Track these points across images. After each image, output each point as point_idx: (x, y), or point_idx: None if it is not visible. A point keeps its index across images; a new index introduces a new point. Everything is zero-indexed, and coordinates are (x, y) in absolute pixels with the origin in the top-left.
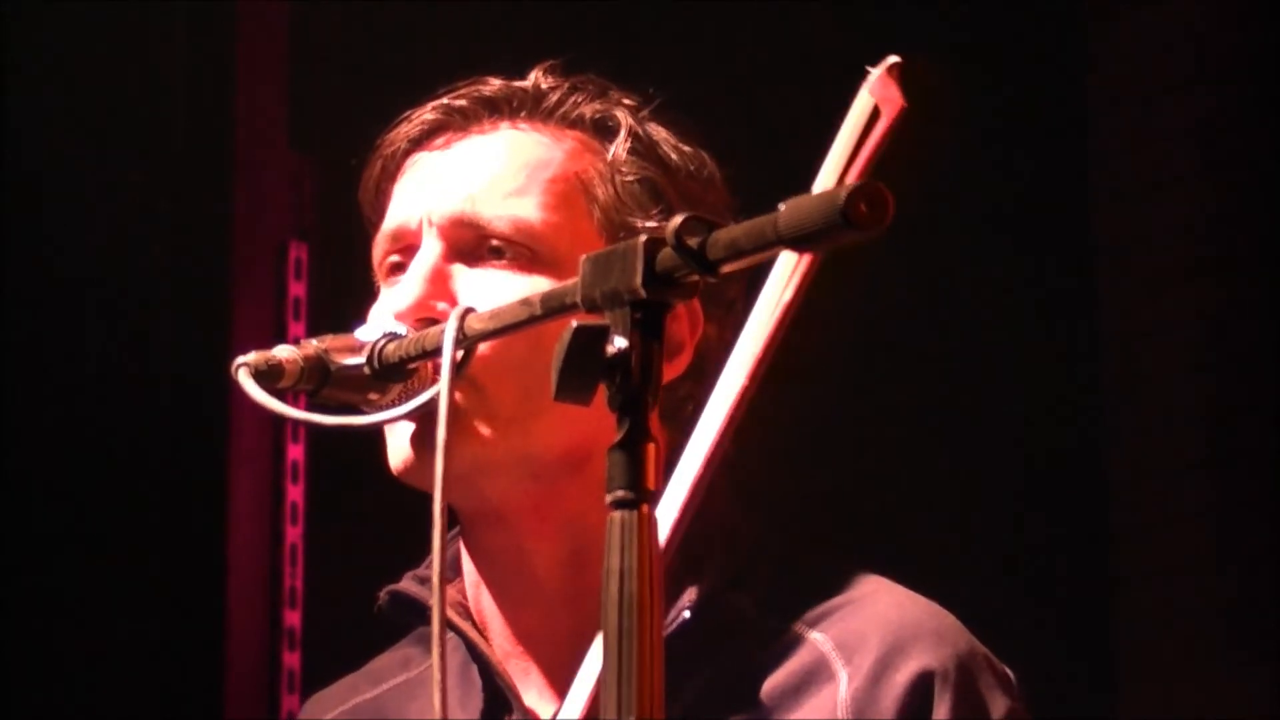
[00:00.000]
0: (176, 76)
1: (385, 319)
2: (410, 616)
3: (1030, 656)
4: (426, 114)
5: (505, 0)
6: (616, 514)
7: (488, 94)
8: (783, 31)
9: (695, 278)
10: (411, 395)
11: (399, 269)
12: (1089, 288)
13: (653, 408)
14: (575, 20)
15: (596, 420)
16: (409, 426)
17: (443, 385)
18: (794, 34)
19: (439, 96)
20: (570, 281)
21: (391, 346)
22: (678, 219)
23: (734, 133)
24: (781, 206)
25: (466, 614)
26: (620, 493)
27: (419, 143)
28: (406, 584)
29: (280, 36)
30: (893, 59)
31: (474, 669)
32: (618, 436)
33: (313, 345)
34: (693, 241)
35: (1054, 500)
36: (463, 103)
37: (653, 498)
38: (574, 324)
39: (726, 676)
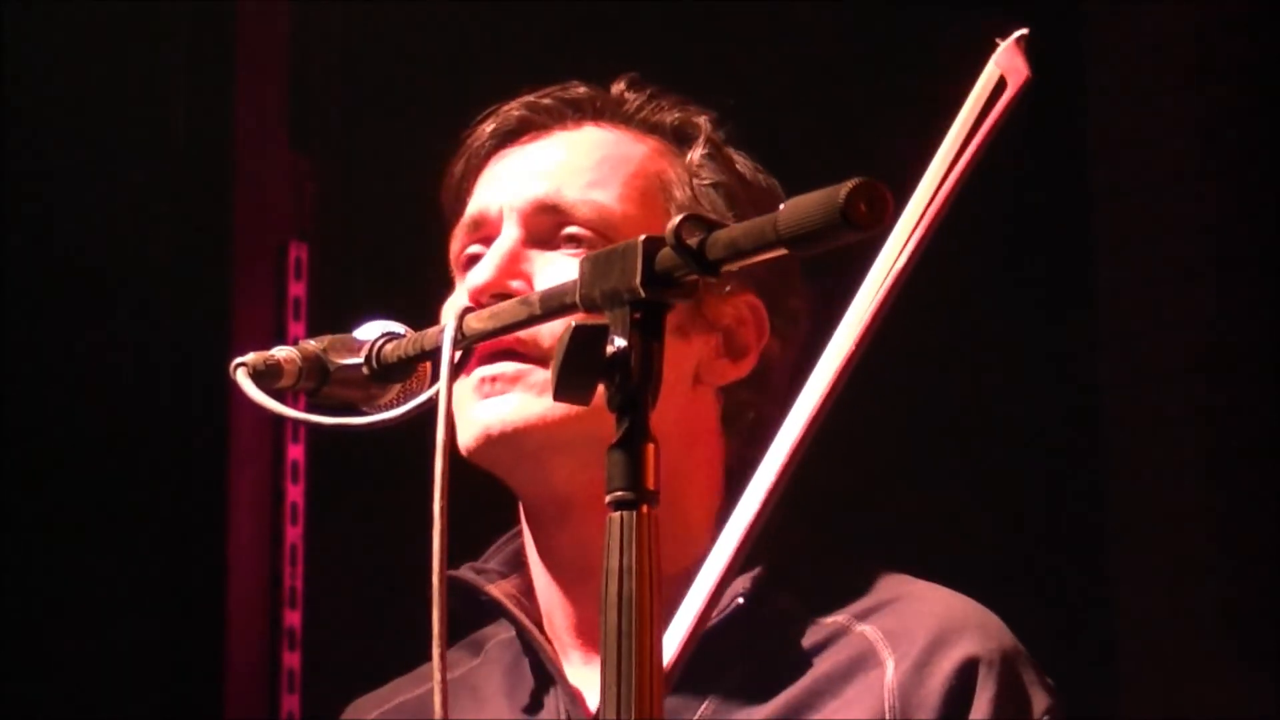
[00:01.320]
0: (176, 76)
1: (461, 301)
2: (464, 602)
3: (1030, 656)
4: (514, 111)
5: (504, 1)
6: (616, 514)
7: (572, 96)
8: (781, 31)
9: (694, 277)
10: (411, 395)
11: (476, 259)
12: (1088, 287)
13: (652, 407)
14: (575, 20)
15: (660, 414)
16: (478, 407)
17: (442, 385)
18: (792, 33)
19: (524, 95)
20: (570, 281)
21: (390, 346)
22: (676, 219)
23: (732, 132)
24: (782, 206)
25: (521, 605)
26: (620, 493)
27: (503, 140)
28: (464, 572)
29: (280, 36)
30: (1021, 30)
31: (525, 663)
32: (616, 436)
33: (312, 345)
34: (692, 241)
35: (1054, 500)
36: (548, 102)
37: (652, 497)
38: (573, 324)
39: (771, 665)
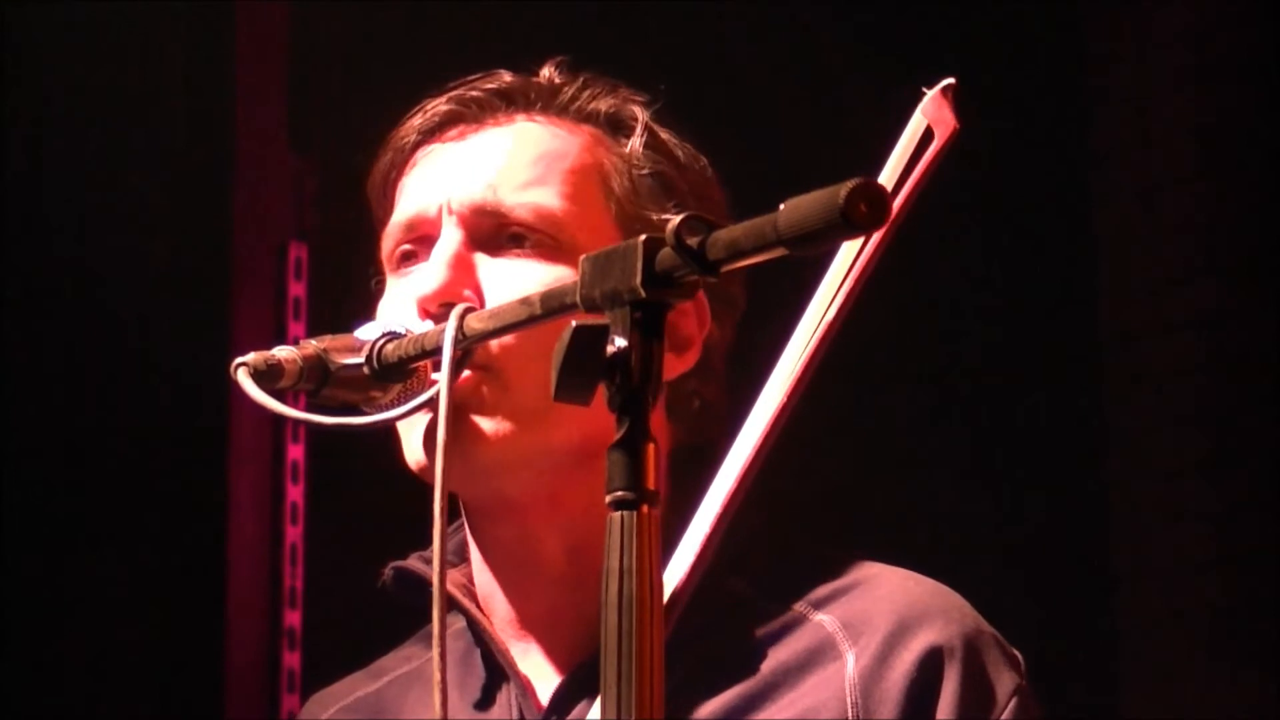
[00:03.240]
0: (176, 76)
1: (404, 306)
2: (413, 593)
3: (1030, 656)
4: (441, 105)
5: (505, 0)
6: (616, 514)
7: (502, 87)
8: (782, 30)
9: (695, 277)
10: (411, 395)
11: (411, 258)
12: (1090, 288)
13: (652, 407)
14: (575, 19)
15: (612, 415)
16: (425, 421)
17: (442, 385)
18: (793, 33)
19: (452, 89)
20: (570, 281)
21: (391, 346)
22: (677, 219)
23: (732, 133)
24: (782, 206)
25: (470, 595)
26: (620, 493)
27: (432, 134)
28: (412, 562)
29: (280, 36)
30: (947, 80)
31: (476, 654)
32: (617, 436)
33: (312, 345)
34: (692, 241)
35: (1054, 500)
36: (477, 94)
37: (653, 497)
38: (574, 324)
39: (723, 654)
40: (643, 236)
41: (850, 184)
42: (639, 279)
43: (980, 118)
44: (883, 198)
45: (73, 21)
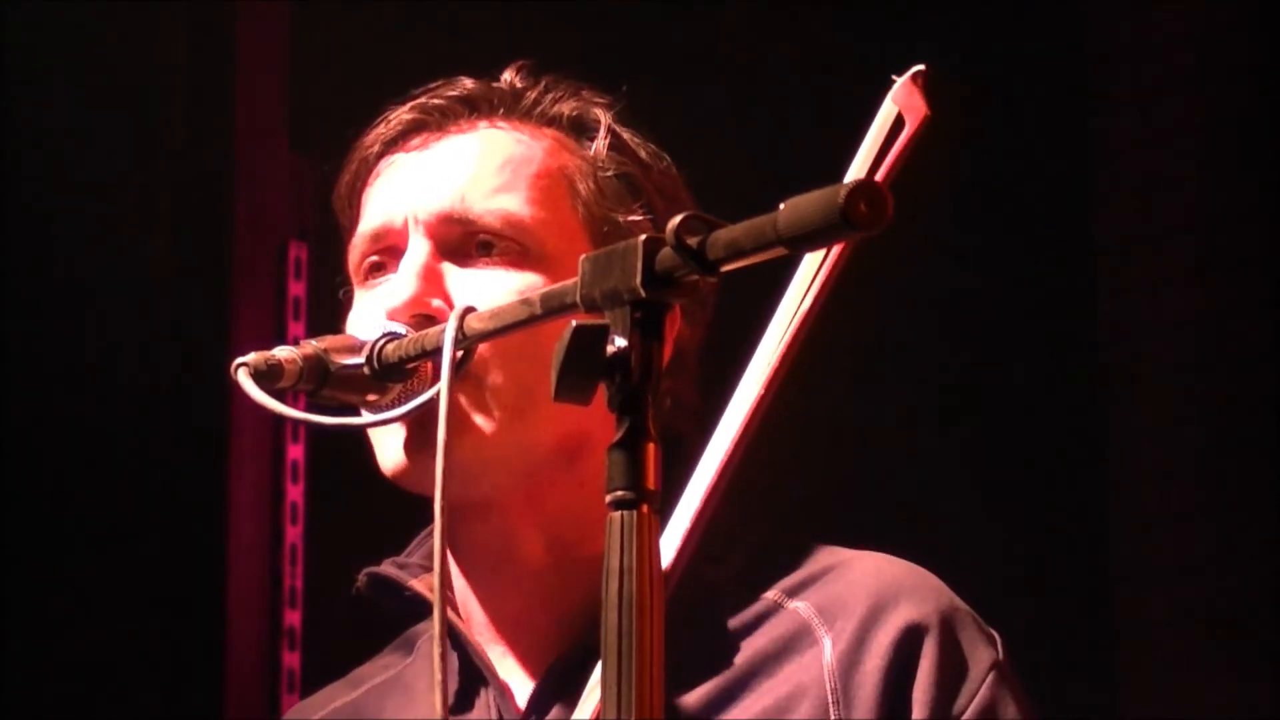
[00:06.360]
0: (176, 76)
1: (374, 318)
2: (388, 597)
3: (1030, 656)
4: (403, 114)
5: (505, 0)
6: (616, 514)
7: (464, 93)
8: (782, 31)
9: (695, 277)
10: (411, 395)
11: (379, 270)
12: (1089, 287)
13: (653, 406)
14: (574, 20)
15: (590, 413)
16: (401, 429)
17: (443, 385)
18: (794, 33)
19: (414, 97)
20: (570, 281)
21: (391, 346)
22: (677, 219)
23: (731, 133)
24: (781, 206)
25: (445, 599)
26: (620, 493)
27: (395, 144)
28: (385, 567)
29: (280, 36)
30: (917, 67)
31: (453, 657)
32: (617, 436)
33: (312, 345)
34: (692, 241)
35: (1054, 500)
36: (439, 102)
37: (653, 497)
38: (574, 324)
39: (703, 646)
40: (643, 236)
41: (850, 183)
42: (639, 279)
43: (981, 117)
44: (882, 198)
45: (72, 21)
